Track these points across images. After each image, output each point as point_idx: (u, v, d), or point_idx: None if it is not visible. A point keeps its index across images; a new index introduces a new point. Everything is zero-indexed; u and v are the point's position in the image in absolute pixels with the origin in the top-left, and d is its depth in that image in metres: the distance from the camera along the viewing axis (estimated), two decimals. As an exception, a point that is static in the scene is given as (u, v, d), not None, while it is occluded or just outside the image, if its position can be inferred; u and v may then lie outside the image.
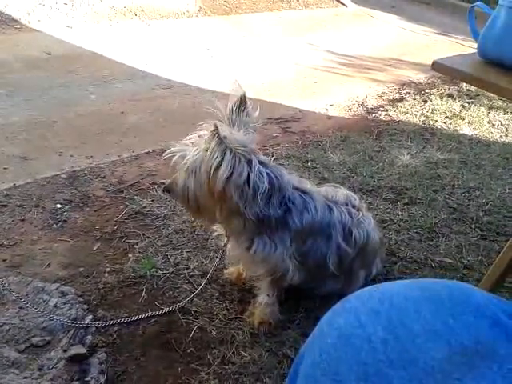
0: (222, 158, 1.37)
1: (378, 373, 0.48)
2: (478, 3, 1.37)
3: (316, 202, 1.61)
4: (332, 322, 0.58)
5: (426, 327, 0.50)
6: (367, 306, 0.56)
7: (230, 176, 1.38)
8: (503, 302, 0.53)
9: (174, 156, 1.47)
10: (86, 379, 1.49)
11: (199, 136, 1.48)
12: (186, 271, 1.99)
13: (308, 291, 1.82)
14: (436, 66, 1.28)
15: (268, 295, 1.72)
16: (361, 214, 1.75)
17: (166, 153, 1.50)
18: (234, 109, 1.50)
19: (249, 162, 1.42)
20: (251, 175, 1.42)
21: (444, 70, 1.30)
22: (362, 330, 0.53)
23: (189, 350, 1.63)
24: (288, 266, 1.59)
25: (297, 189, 1.60)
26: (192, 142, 1.47)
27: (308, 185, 1.71)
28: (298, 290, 1.80)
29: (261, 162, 1.47)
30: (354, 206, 1.78)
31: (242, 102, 1.50)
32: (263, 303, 1.73)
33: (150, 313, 1.75)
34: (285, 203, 1.53)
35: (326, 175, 2.77)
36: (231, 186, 1.40)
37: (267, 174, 1.46)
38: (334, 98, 4.15)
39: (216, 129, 1.35)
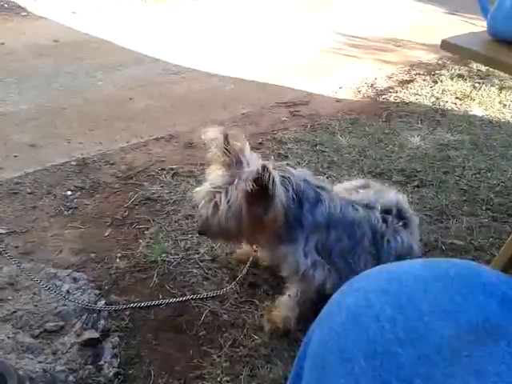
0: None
1: (387, 351, 0.48)
2: (487, -20, 1.34)
3: (332, 196, 1.57)
4: (340, 301, 0.59)
5: (435, 305, 0.50)
6: (376, 285, 0.56)
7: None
8: None
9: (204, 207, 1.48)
10: (100, 363, 1.52)
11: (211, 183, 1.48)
12: (196, 256, 2.00)
13: None
14: (445, 44, 1.26)
15: (289, 295, 1.66)
16: (400, 223, 1.65)
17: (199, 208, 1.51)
18: (221, 147, 1.47)
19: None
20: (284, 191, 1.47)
21: (453, 49, 1.28)
22: (371, 308, 0.53)
23: (200, 334, 1.65)
24: (306, 262, 1.54)
25: (308, 182, 1.57)
26: (214, 189, 1.46)
27: (324, 182, 1.68)
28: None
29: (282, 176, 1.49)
30: (400, 217, 1.67)
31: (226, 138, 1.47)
32: (281, 303, 1.69)
33: (168, 300, 1.77)
34: (298, 199, 1.52)
35: (335, 158, 2.76)
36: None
37: (284, 178, 1.50)
38: (343, 80, 4.11)
39: (268, 171, 1.34)
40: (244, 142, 1.49)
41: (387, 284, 0.54)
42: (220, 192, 1.43)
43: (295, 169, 1.60)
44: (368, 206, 1.62)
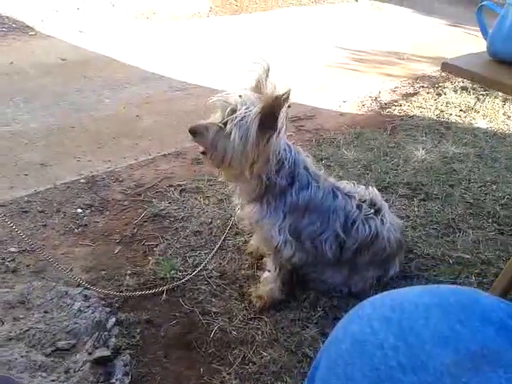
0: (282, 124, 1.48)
1: (390, 378, 0.50)
2: (485, 2, 1.37)
3: (320, 184, 1.70)
4: (346, 328, 0.61)
5: (435, 333, 0.52)
6: (379, 312, 0.58)
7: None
8: (511, 307, 0.55)
9: (226, 107, 1.50)
10: (111, 381, 1.54)
11: (241, 95, 1.50)
12: (204, 272, 2.02)
13: (313, 281, 1.91)
14: (446, 67, 1.29)
15: (269, 271, 1.85)
16: (372, 211, 1.79)
17: (211, 100, 1.54)
18: (263, 76, 1.55)
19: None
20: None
21: (454, 71, 1.30)
22: (375, 336, 0.55)
23: (210, 351, 1.67)
24: (279, 239, 1.68)
25: (306, 169, 1.69)
26: (240, 96, 1.50)
27: (320, 171, 1.79)
28: (303, 277, 1.91)
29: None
30: (372, 204, 1.82)
31: (268, 70, 1.56)
32: (264, 279, 1.87)
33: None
34: (291, 176, 1.64)
35: (340, 173, 2.78)
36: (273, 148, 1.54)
37: (289, 146, 1.64)
38: (347, 94, 4.15)
39: (288, 95, 1.41)
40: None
41: (390, 312, 0.57)
42: (243, 104, 1.47)
43: (303, 155, 1.73)
44: (348, 194, 1.79)
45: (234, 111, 1.47)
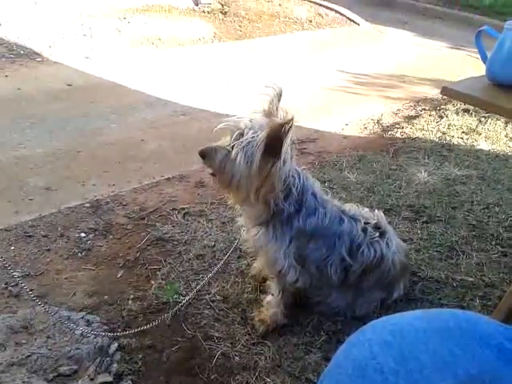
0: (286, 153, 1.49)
1: None
2: (484, 27, 1.40)
3: (327, 210, 1.70)
4: (347, 353, 0.61)
5: (434, 358, 0.52)
6: (380, 337, 0.58)
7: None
8: (510, 330, 0.55)
9: (234, 131, 1.51)
10: (113, 407, 1.53)
11: (251, 119, 1.52)
12: (207, 296, 2.02)
13: (317, 304, 1.90)
14: (446, 91, 1.30)
15: (273, 295, 1.85)
16: (377, 234, 1.79)
17: (221, 124, 1.55)
18: (275, 100, 1.57)
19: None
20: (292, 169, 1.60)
21: (454, 96, 1.32)
22: (375, 361, 0.55)
23: (212, 377, 1.66)
24: (284, 264, 1.68)
25: (314, 195, 1.69)
26: (250, 120, 1.52)
27: (327, 196, 1.80)
28: (307, 300, 1.90)
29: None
30: (377, 228, 1.82)
31: (280, 95, 1.58)
32: (267, 303, 1.88)
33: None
34: (299, 203, 1.64)
35: (343, 195, 2.79)
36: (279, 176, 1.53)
37: (298, 172, 1.63)
38: (350, 117, 4.18)
39: (291, 124, 1.42)
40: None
41: (390, 336, 0.57)
42: (251, 128, 1.48)
43: (311, 180, 1.73)
44: (353, 217, 1.79)
45: (241, 135, 1.49)
